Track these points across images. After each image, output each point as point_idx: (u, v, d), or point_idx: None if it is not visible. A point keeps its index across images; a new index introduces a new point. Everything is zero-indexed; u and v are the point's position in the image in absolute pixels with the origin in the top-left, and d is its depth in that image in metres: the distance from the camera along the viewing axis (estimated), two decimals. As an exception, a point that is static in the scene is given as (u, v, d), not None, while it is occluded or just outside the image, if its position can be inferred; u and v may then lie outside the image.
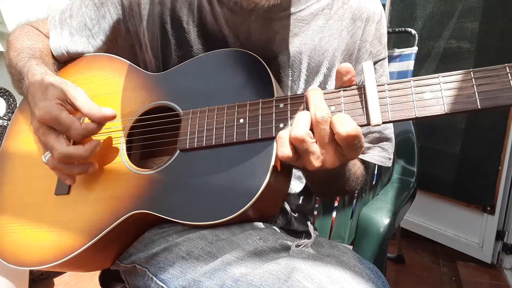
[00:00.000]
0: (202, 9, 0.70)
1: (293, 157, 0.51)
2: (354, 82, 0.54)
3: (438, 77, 0.50)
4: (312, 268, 0.49)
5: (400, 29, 1.96)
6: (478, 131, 1.89)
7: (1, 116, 1.56)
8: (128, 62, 0.75)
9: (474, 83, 0.48)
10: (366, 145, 0.73)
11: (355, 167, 0.71)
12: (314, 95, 0.52)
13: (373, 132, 0.74)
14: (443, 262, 2.02)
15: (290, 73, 0.71)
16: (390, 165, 0.76)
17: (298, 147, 0.50)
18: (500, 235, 1.88)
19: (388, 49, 0.83)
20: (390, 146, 0.76)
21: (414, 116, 0.49)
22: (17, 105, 1.57)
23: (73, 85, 0.65)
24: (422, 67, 2.10)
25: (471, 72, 0.48)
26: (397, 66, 1.89)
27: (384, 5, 2.34)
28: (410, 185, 1.06)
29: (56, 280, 1.71)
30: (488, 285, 1.80)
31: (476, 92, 0.47)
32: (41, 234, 0.65)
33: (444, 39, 2.02)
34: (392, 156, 0.76)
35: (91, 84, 0.75)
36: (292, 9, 0.69)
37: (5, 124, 1.56)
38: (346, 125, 0.48)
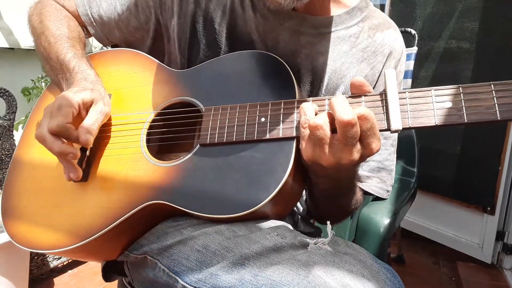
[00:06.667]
0: (233, 12, 0.72)
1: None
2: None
3: (459, 88, 0.51)
4: (332, 264, 0.50)
5: (400, 29, 1.95)
6: (478, 131, 1.89)
7: (1, 116, 1.55)
8: (153, 58, 0.76)
9: (494, 95, 0.49)
10: (365, 173, 0.75)
11: (357, 189, 0.72)
12: (339, 99, 0.51)
13: (374, 160, 0.75)
14: (443, 262, 2.02)
15: (309, 89, 0.73)
16: (387, 197, 0.77)
17: (315, 134, 0.51)
18: (500, 235, 1.89)
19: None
20: (389, 178, 0.77)
21: (434, 124, 0.50)
22: (17, 106, 1.58)
23: (107, 103, 0.69)
24: (422, 67, 2.10)
25: (492, 85, 0.50)
26: (397, 66, 1.89)
27: (383, 5, 2.34)
28: (410, 186, 1.06)
29: (56, 280, 1.71)
30: (488, 285, 1.80)
31: (496, 104, 0.49)
32: (56, 218, 0.66)
33: (444, 39, 2.02)
34: (390, 189, 0.77)
35: (115, 77, 0.77)
36: (322, 29, 0.71)
37: (5, 124, 1.56)
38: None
